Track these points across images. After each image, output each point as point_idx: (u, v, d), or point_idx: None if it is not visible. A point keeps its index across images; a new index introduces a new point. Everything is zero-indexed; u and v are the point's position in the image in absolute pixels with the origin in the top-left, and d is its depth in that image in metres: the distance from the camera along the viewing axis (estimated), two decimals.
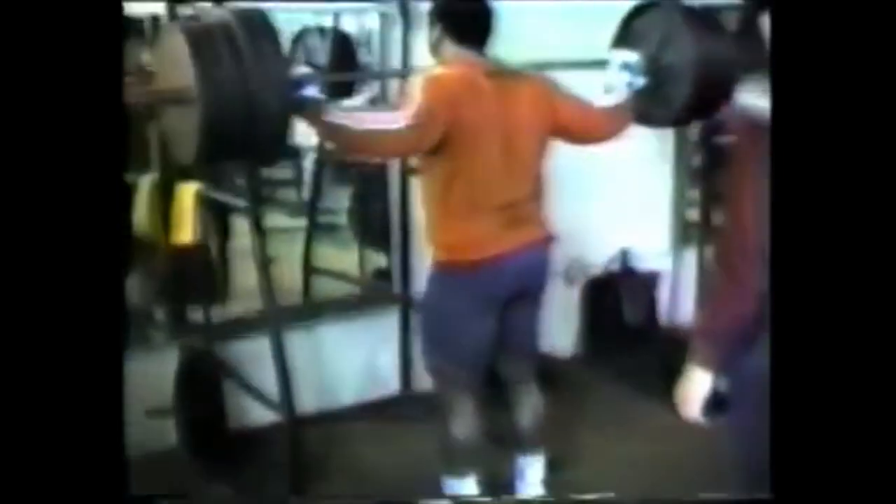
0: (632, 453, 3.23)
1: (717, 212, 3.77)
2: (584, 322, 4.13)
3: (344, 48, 3.79)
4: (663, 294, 4.28)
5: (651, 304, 4.23)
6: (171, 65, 2.01)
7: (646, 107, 2.64)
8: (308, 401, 3.18)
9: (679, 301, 4.24)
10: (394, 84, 3.52)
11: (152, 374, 2.95)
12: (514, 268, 2.47)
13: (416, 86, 2.32)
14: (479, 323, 2.49)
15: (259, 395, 3.00)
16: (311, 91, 2.16)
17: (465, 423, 2.60)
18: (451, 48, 2.47)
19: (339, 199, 4.08)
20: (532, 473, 2.78)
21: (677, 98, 2.61)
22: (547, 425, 2.80)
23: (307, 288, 3.76)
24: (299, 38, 3.88)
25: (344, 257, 4.04)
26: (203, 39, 1.96)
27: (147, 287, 3.23)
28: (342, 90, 3.63)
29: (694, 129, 3.98)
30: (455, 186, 2.40)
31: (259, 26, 2.01)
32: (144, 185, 3.08)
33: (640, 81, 2.58)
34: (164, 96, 2.08)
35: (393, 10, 3.37)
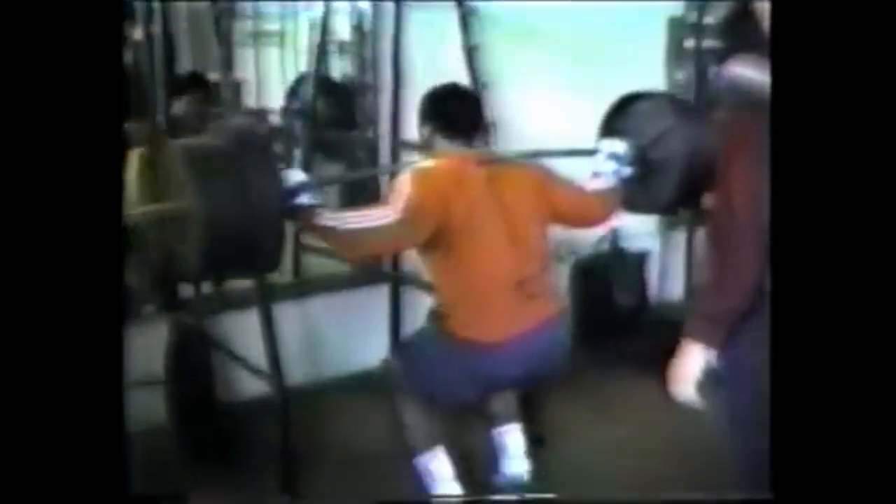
0: (620, 435, 3.27)
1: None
2: (573, 302, 4.11)
3: (338, 96, 3.91)
4: (653, 273, 4.30)
5: (641, 283, 4.25)
6: (169, 183, 2.08)
7: (632, 196, 2.69)
8: (297, 373, 3.19)
9: (669, 280, 4.27)
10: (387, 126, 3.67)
11: (142, 347, 2.94)
12: (529, 350, 2.45)
13: (405, 181, 2.34)
14: (469, 391, 2.52)
15: (249, 367, 3.01)
16: (305, 199, 2.21)
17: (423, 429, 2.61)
18: (442, 143, 2.53)
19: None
20: (513, 445, 2.78)
21: (664, 192, 2.65)
22: (522, 403, 2.83)
23: (297, 265, 3.76)
24: (295, 87, 3.89)
25: None
26: (200, 159, 2.05)
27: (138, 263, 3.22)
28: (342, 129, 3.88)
29: None
30: (462, 275, 2.41)
31: (253, 143, 2.13)
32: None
33: (628, 171, 2.64)
34: (162, 215, 2.12)
35: None
